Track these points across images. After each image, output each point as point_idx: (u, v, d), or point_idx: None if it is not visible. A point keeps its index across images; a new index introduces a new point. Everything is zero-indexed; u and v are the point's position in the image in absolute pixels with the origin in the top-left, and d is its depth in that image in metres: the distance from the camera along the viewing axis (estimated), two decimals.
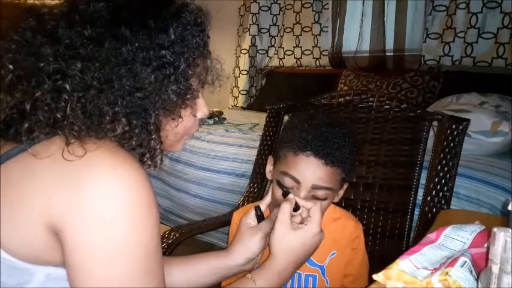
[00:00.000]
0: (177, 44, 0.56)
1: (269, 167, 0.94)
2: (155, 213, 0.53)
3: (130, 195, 0.50)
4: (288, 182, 0.83)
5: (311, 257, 0.91)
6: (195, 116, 0.66)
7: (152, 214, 0.52)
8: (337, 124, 0.87)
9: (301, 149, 0.82)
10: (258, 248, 0.80)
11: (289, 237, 0.76)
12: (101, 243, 0.49)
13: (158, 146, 0.59)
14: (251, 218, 0.84)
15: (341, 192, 0.90)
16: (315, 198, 0.83)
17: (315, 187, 0.82)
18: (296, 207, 0.78)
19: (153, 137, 0.57)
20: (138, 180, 0.51)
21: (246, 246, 0.80)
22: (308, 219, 0.78)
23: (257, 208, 0.84)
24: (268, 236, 0.81)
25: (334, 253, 0.91)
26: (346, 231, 0.92)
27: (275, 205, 0.87)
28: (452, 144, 1.11)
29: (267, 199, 0.88)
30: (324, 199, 0.84)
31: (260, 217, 0.84)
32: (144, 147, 0.57)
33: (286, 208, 0.76)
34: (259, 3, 3.40)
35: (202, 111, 0.67)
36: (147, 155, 0.58)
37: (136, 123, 0.55)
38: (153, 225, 0.53)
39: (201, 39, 0.60)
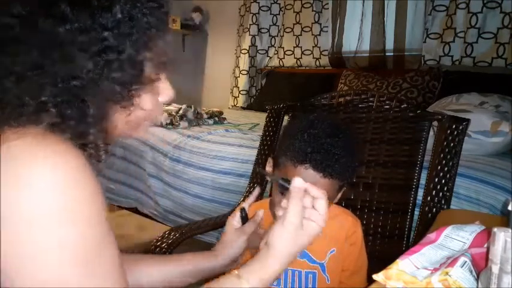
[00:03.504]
0: (123, 24, 0.48)
1: (268, 169, 0.94)
2: (97, 205, 0.47)
3: (64, 188, 0.44)
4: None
5: (311, 255, 0.92)
6: (157, 100, 0.58)
7: (93, 206, 0.46)
8: (337, 133, 0.84)
9: (300, 161, 0.81)
10: (242, 249, 0.81)
11: (302, 238, 0.65)
12: (31, 240, 0.44)
13: (101, 140, 0.52)
14: (236, 220, 0.85)
15: (339, 195, 0.89)
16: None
17: None
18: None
19: (92, 131, 0.50)
20: (72, 170, 0.45)
21: (232, 247, 0.80)
22: (312, 215, 0.65)
23: (242, 210, 0.86)
24: (258, 236, 0.80)
25: (333, 250, 0.91)
26: (344, 227, 0.93)
27: (275, 206, 0.87)
28: (452, 144, 1.11)
29: (251, 199, 0.89)
30: None
31: (244, 219, 0.85)
32: (82, 138, 0.50)
33: (298, 204, 0.65)
34: (259, 3, 3.41)
35: (165, 94, 0.59)
36: (89, 147, 0.51)
37: (71, 115, 0.47)
38: (94, 218, 0.47)
39: (155, 17, 0.51)
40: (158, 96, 0.58)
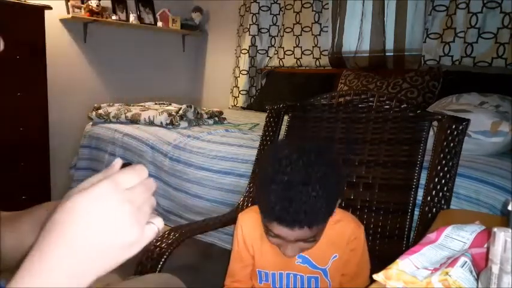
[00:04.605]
0: None
1: None
2: None
3: None
4: (273, 238, 0.82)
5: (312, 261, 0.91)
6: None
7: None
8: (305, 177, 0.75)
9: (272, 219, 0.78)
10: None
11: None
12: None
13: None
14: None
15: (336, 204, 0.85)
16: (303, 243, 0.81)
17: (298, 240, 0.80)
18: None
19: None
20: None
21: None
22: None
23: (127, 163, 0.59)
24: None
25: (335, 256, 0.91)
26: (346, 233, 0.92)
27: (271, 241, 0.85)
28: (452, 144, 1.11)
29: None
30: (313, 241, 0.82)
31: None
32: None
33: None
34: (259, 3, 3.41)
35: None
36: None
37: None
38: None
39: None
40: None
